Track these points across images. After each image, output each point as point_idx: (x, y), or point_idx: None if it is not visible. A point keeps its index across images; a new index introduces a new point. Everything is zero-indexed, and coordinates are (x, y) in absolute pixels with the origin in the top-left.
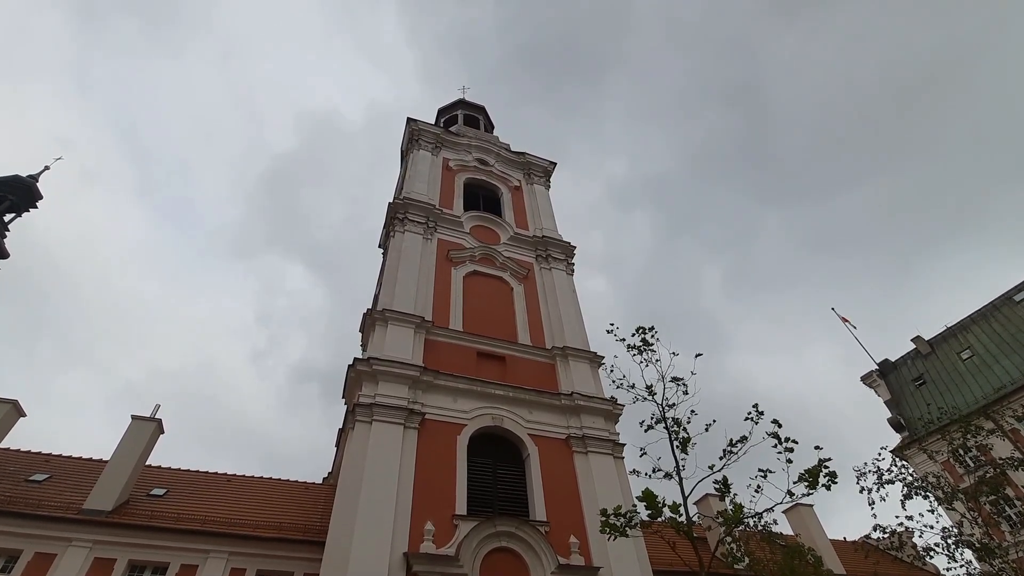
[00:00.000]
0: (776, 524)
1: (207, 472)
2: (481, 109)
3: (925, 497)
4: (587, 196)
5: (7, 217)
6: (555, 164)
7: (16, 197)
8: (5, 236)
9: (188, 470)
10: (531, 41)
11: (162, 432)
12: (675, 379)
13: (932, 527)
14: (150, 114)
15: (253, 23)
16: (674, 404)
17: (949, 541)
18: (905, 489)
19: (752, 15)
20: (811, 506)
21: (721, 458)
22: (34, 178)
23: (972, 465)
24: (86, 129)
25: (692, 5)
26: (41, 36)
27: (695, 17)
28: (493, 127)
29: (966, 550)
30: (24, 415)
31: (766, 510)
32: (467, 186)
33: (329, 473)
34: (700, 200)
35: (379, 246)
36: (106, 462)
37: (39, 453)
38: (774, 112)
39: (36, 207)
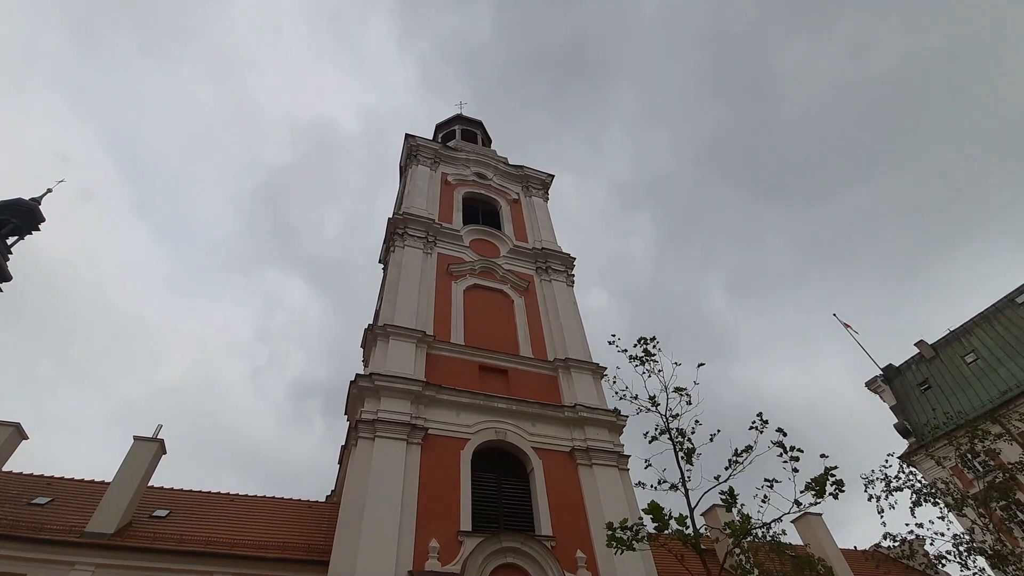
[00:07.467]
0: (785, 534)
1: (209, 492)
2: (479, 124)
3: (935, 504)
4: (589, 202)
5: (10, 240)
6: (553, 176)
7: (18, 220)
8: (8, 259)
9: (190, 491)
10: (531, 46)
11: (164, 452)
12: (678, 389)
13: (943, 534)
14: (146, 130)
15: (247, 38)
16: (678, 415)
17: (961, 548)
18: (914, 496)
19: (758, 18)
20: (820, 515)
21: (727, 468)
22: (36, 201)
23: (981, 470)
24: (83, 146)
25: (698, 7)
26: (39, 53)
27: (700, 19)
28: (491, 141)
29: (979, 557)
30: (26, 438)
31: (774, 520)
32: (466, 200)
33: (332, 491)
34: (701, 204)
35: (379, 261)
36: (108, 484)
37: (41, 476)
38: (777, 114)
39: (38, 229)
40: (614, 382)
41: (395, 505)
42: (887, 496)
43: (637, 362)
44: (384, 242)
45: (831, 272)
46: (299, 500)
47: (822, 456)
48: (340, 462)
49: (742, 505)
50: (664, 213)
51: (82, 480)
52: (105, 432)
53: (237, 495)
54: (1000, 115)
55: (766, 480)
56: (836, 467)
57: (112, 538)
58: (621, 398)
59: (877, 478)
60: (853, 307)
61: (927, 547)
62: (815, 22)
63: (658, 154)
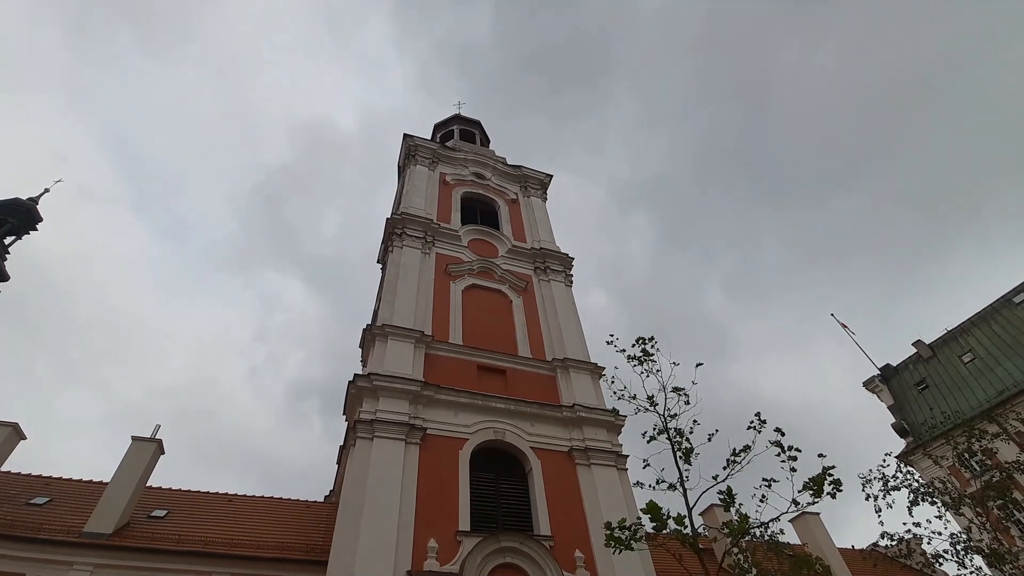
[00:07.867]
0: (783, 534)
1: (208, 492)
2: (477, 124)
3: (932, 503)
4: (587, 202)
5: (7, 240)
6: (551, 176)
7: (16, 220)
8: (5, 259)
9: (189, 491)
10: (529, 46)
11: (162, 453)
12: (676, 389)
13: (940, 533)
14: (144, 129)
15: (246, 37)
16: (676, 414)
17: (958, 547)
18: (911, 495)
19: (756, 19)
20: (818, 514)
21: (725, 468)
22: (34, 200)
23: (978, 469)
24: (81, 145)
25: (696, 8)
26: (37, 52)
27: (697, 20)
28: (489, 141)
29: (976, 556)
30: (25, 438)
31: (772, 519)
32: (464, 200)
33: (331, 491)
34: (700, 204)
35: (378, 261)
36: (106, 484)
37: (39, 476)
38: (774, 115)
39: (36, 229)
40: (612, 382)
41: (394, 505)
42: (885, 495)
43: (635, 362)
44: (382, 242)
45: (829, 272)
46: (297, 500)
47: (820, 456)
48: (339, 462)
49: (740, 505)
50: (662, 213)
51: (80, 480)
52: (103, 432)
53: (235, 495)
54: (999, 115)
55: (764, 480)
56: (834, 467)
57: (110, 538)
58: (619, 398)
59: (875, 477)
60: (851, 307)
61: (924, 546)
62: (813, 23)
63: (656, 155)
